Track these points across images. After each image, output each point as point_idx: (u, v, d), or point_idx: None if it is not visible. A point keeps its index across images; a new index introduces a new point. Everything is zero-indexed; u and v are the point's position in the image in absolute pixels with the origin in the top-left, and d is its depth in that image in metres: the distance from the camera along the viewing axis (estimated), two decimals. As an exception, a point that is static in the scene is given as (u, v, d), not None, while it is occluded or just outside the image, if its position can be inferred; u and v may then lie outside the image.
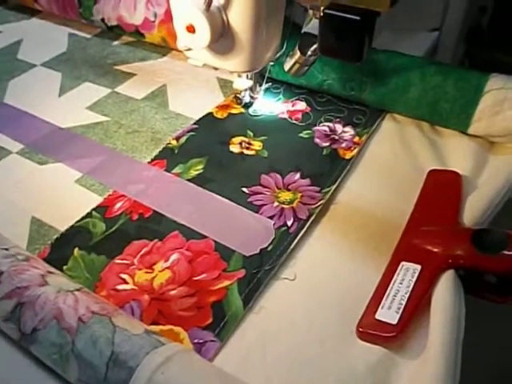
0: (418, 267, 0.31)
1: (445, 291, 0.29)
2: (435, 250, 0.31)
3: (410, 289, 0.30)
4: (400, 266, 0.31)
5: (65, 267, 0.34)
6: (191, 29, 0.37)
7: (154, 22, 0.54)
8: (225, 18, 0.37)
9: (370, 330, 0.29)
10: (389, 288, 0.30)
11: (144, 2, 0.55)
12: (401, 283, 0.30)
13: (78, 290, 0.28)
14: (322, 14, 0.26)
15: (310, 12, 0.30)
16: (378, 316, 0.29)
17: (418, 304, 0.29)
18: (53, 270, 0.31)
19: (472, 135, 0.42)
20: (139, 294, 0.32)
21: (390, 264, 0.32)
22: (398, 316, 0.28)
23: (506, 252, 0.29)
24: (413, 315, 0.29)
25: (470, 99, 0.41)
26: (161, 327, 0.30)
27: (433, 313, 0.28)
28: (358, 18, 0.24)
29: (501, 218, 0.36)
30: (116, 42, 0.60)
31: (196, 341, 0.29)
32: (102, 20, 0.59)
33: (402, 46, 0.46)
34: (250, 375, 0.27)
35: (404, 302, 0.29)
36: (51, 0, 0.62)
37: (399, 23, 0.60)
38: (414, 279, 0.30)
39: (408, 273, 0.31)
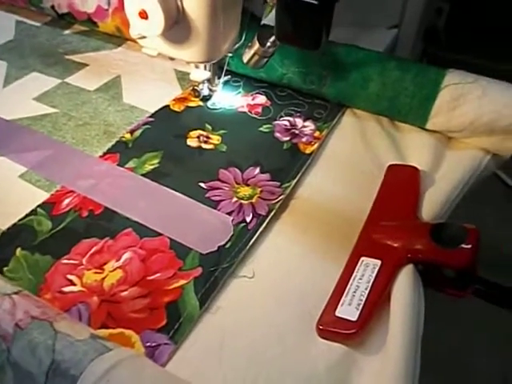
0: (378, 262, 0.30)
1: (404, 286, 0.29)
2: (395, 244, 0.31)
3: (370, 284, 0.29)
4: (360, 261, 0.31)
5: (5, 269, 0.31)
6: (144, 14, 0.35)
7: (107, 10, 0.52)
8: (179, 3, 0.35)
9: (330, 327, 0.28)
10: (349, 284, 0.30)
11: (97, -11, 0.52)
12: (361, 279, 0.30)
13: (16, 293, 0.26)
14: (278, -1, 0.25)
15: (268, -2, 0.29)
16: (337, 313, 0.28)
17: (378, 300, 0.29)
18: (-11, 271, 0.28)
19: (430, 130, 0.42)
20: (88, 296, 0.29)
21: (349, 259, 0.32)
22: (358, 312, 0.28)
23: (464, 246, 0.29)
24: (373, 311, 0.28)
25: (428, 94, 0.41)
26: (110, 331, 0.28)
27: (392, 309, 0.28)
28: (315, 2, 0.23)
29: (458, 212, 0.36)
30: (67, 31, 0.57)
31: (148, 344, 0.27)
32: (52, 7, 0.56)
33: (362, 41, 0.46)
34: (206, 379, 0.26)
35: (364, 298, 0.29)
36: (-4, -16, 0.58)
37: (359, 18, 0.60)
38: (374, 274, 0.30)
39: (368, 268, 0.30)
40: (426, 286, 0.30)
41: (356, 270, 0.30)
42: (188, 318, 0.28)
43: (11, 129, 0.43)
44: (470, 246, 0.29)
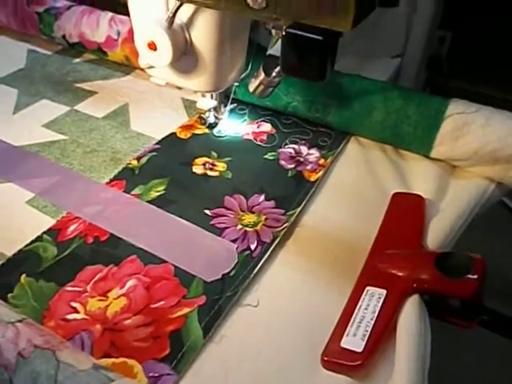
0: (384, 292, 0.30)
1: (410, 317, 0.28)
2: (400, 274, 0.31)
3: (376, 315, 0.29)
4: (365, 291, 0.31)
5: (10, 295, 0.31)
6: (153, 46, 0.36)
7: (117, 40, 0.53)
8: (187, 36, 0.36)
9: (335, 358, 0.28)
10: (354, 314, 0.29)
11: (107, 20, 0.54)
12: (366, 309, 0.29)
13: (20, 321, 0.26)
14: (284, 34, 0.25)
15: (273, 32, 0.30)
16: (343, 344, 0.28)
17: (383, 330, 0.28)
18: (-6, 299, 0.28)
19: (434, 159, 0.42)
20: (91, 324, 0.29)
21: (354, 289, 0.31)
22: (363, 343, 0.27)
23: (470, 276, 0.29)
24: (379, 342, 0.28)
25: (431, 123, 0.41)
26: (113, 360, 0.27)
27: (398, 340, 0.28)
28: (320, 37, 0.24)
29: (464, 239, 0.36)
30: (77, 60, 0.58)
31: (151, 374, 0.27)
32: (63, 37, 0.57)
33: (366, 71, 0.47)
34: (209, 411, 0.26)
35: (369, 329, 0.28)
36: (10, 14, 0.60)
37: (363, 48, 0.61)
38: (380, 304, 0.29)
39: (373, 298, 0.30)
40: (432, 317, 0.30)
41: (361, 299, 0.30)
42: (191, 348, 0.28)
43: (19, 155, 0.44)
44: (476, 277, 0.29)
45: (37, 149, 0.44)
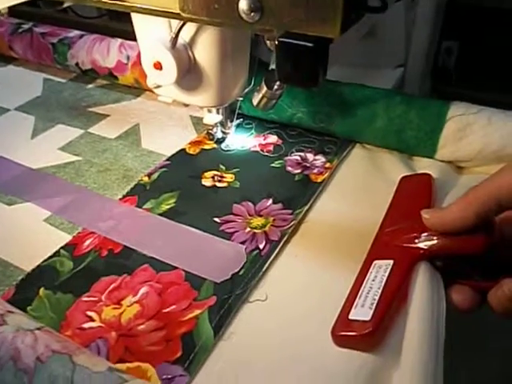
0: (391, 262, 0.29)
1: (421, 285, 0.27)
2: (406, 243, 0.30)
3: (383, 284, 0.28)
4: (373, 264, 0.30)
5: (29, 308, 0.32)
6: (158, 66, 0.37)
7: (126, 64, 0.56)
8: (191, 54, 0.38)
9: (345, 331, 0.27)
10: (362, 287, 0.29)
11: (117, 46, 0.56)
12: (373, 280, 0.29)
13: (38, 328, 0.27)
14: (276, 43, 0.27)
15: (268, 43, 0.31)
16: (351, 316, 0.27)
17: (391, 297, 0.27)
18: (14, 309, 0.30)
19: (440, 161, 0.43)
20: (106, 332, 0.30)
21: (362, 266, 0.31)
22: (371, 312, 0.27)
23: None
24: (387, 309, 0.27)
25: (434, 126, 0.42)
26: (127, 365, 0.28)
27: (410, 311, 0.27)
28: (310, 44, 0.25)
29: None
30: (90, 85, 0.61)
31: (164, 377, 0.27)
32: (77, 64, 0.60)
33: (369, 81, 0.48)
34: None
35: (377, 297, 0.27)
36: (26, 47, 0.63)
37: (367, 60, 0.63)
38: (387, 274, 0.28)
39: (381, 269, 0.29)
40: (452, 284, 0.29)
41: (369, 273, 0.29)
42: (203, 348, 0.29)
43: (37, 177, 0.45)
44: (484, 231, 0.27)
45: (53, 170, 0.46)
